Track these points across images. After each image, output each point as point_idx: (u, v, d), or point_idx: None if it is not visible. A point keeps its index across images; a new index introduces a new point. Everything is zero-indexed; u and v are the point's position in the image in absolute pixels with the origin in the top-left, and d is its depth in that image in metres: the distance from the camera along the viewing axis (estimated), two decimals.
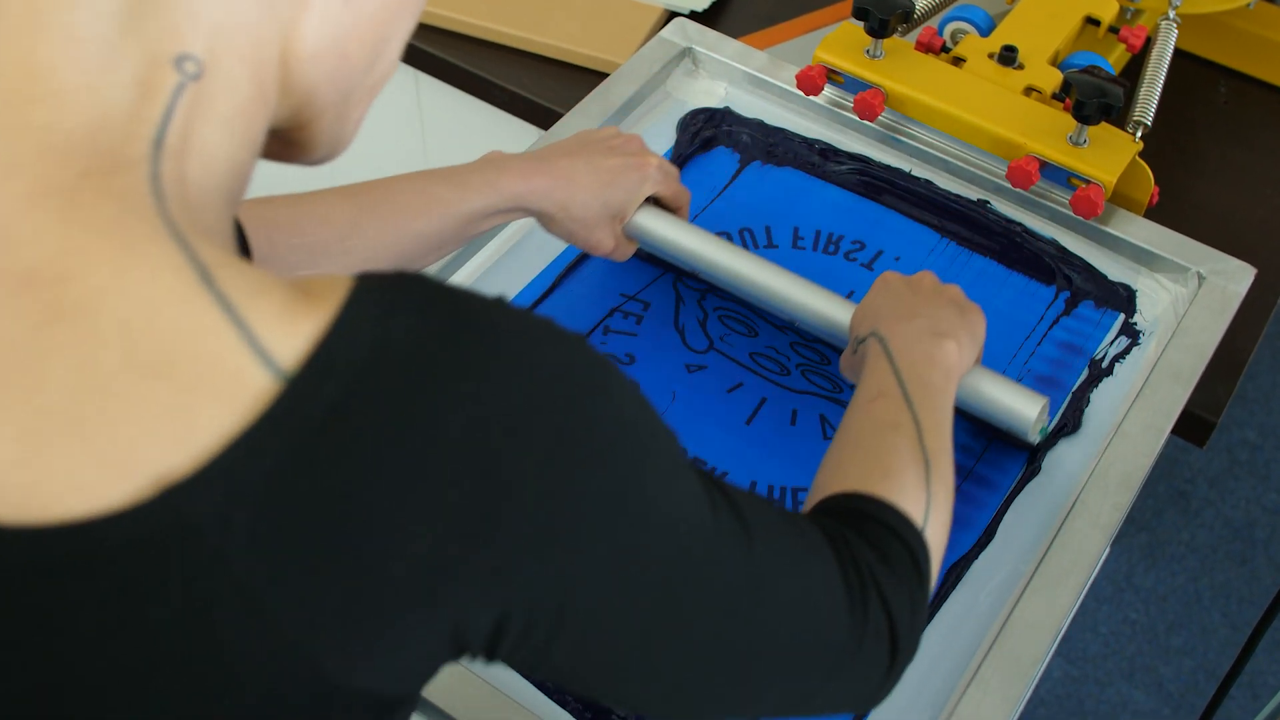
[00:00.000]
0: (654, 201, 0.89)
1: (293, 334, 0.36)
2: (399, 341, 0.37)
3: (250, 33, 0.41)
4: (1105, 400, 0.88)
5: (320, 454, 0.35)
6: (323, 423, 0.36)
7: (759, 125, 1.04)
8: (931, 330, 0.74)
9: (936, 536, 0.63)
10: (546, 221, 0.84)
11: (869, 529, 0.59)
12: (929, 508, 0.63)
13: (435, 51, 1.25)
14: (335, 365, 0.36)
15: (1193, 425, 0.97)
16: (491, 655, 0.43)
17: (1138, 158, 0.96)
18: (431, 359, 0.37)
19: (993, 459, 0.84)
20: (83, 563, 0.34)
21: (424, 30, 1.26)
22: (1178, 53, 1.13)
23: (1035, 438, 0.81)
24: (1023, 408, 0.79)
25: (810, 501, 0.65)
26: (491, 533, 0.38)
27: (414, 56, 1.27)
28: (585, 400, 0.41)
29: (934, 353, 0.72)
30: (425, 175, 0.80)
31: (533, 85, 1.20)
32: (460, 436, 0.37)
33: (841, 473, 0.64)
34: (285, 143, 0.47)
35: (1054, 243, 0.96)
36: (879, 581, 0.55)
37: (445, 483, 0.37)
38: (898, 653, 0.56)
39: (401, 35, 0.48)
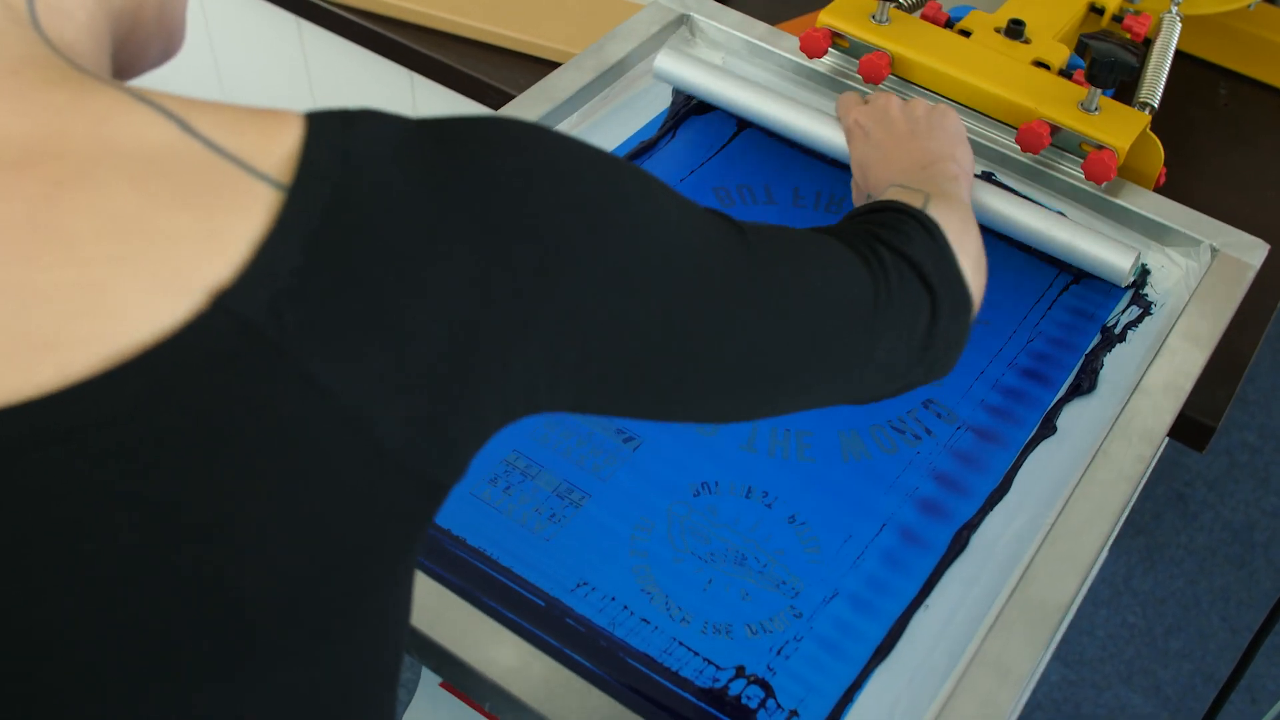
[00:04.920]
0: None
1: (275, 153, 0.40)
2: (368, 139, 0.41)
3: None
4: (1120, 365, 0.84)
5: (339, 241, 0.39)
6: (332, 212, 0.39)
7: None
8: (941, 178, 0.75)
9: (951, 225, 0.65)
10: None
11: (862, 216, 0.65)
12: (926, 202, 0.67)
13: (430, 52, 1.21)
14: (320, 167, 0.40)
15: (1192, 430, 0.93)
16: (539, 406, 0.46)
17: (1148, 130, 0.94)
18: (410, 143, 0.42)
19: (1007, 414, 0.80)
20: (165, 387, 0.37)
21: (418, 31, 1.23)
22: (1178, 54, 1.12)
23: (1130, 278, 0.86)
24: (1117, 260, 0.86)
25: None
26: (517, 284, 0.42)
27: (408, 57, 1.24)
28: (587, 166, 0.45)
29: (953, 191, 0.74)
30: None
31: (528, 87, 1.16)
32: (459, 201, 0.41)
33: None
34: (124, 53, 0.50)
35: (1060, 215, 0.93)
36: (880, 236, 0.60)
37: (455, 244, 0.41)
38: (934, 290, 0.59)
39: None
